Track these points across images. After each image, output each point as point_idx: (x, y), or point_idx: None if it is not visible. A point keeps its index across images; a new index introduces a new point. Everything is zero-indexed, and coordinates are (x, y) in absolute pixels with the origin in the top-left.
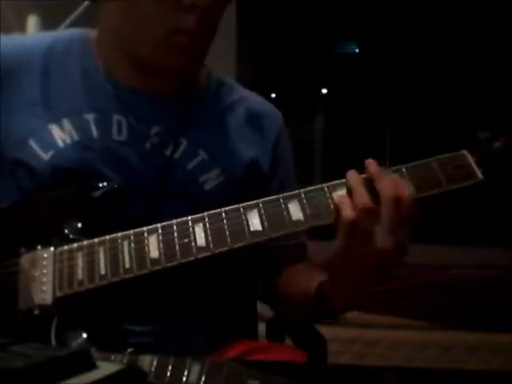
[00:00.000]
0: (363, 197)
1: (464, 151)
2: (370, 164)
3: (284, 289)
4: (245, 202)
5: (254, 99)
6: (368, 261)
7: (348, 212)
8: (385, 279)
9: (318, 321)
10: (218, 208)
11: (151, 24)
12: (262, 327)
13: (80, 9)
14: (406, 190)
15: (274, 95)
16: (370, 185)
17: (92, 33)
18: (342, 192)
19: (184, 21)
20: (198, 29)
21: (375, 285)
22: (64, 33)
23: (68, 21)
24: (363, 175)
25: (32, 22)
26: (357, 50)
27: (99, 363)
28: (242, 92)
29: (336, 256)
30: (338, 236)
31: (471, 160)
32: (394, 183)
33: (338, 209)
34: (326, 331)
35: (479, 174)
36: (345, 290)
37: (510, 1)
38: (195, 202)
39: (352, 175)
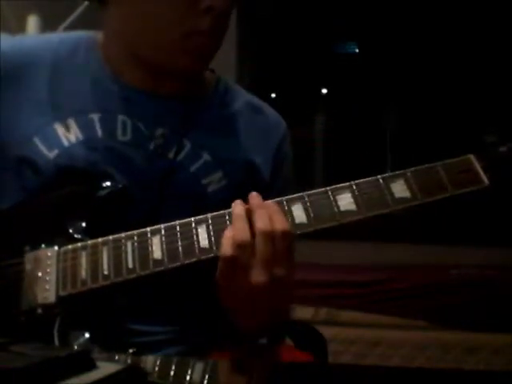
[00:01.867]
0: (241, 231)
1: (470, 156)
2: (251, 197)
3: None
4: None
5: (259, 105)
6: (248, 294)
7: (226, 248)
8: (280, 308)
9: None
10: (220, 211)
11: (165, 26)
12: None
13: (80, 9)
14: (281, 224)
15: (274, 95)
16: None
17: (99, 34)
18: (343, 196)
19: (200, 23)
20: (212, 31)
21: (273, 314)
22: (71, 34)
23: (68, 21)
24: (247, 206)
25: (32, 21)
26: (357, 50)
27: (99, 363)
28: (247, 98)
29: (218, 287)
30: (218, 268)
31: (477, 165)
32: (269, 217)
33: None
34: (326, 331)
35: (485, 180)
36: (240, 316)
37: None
38: (198, 204)
39: (235, 207)
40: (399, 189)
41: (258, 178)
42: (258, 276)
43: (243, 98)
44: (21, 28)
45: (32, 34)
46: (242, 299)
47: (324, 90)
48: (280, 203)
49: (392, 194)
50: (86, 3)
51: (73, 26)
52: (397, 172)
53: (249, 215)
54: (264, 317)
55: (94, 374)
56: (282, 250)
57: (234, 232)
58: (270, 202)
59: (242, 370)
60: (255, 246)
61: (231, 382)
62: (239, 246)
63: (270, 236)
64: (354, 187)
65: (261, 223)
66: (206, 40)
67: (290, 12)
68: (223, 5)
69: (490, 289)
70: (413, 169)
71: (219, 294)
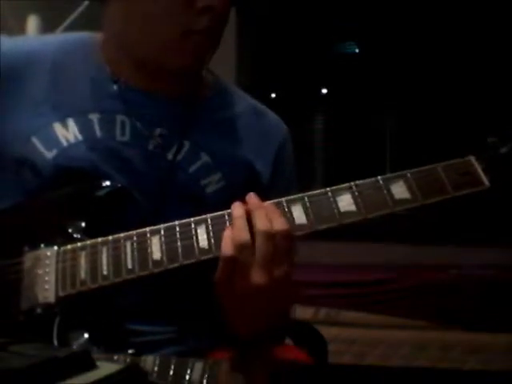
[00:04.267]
0: (241, 232)
1: (470, 157)
2: (249, 197)
3: None
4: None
5: (259, 108)
6: (247, 294)
7: (226, 249)
8: (280, 310)
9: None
10: (219, 211)
11: (162, 26)
12: None
13: (80, 9)
14: (280, 225)
15: (273, 95)
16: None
17: (98, 35)
18: (343, 197)
19: (197, 23)
20: (209, 31)
21: (272, 316)
22: (70, 35)
23: (68, 21)
24: (246, 207)
25: (32, 22)
26: (357, 50)
27: (99, 363)
28: (248, 101)
29: (218, 288)
30: (218, 268)
31: (478, 166)
32: (268, 217)
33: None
34: (327, 331)
35: (486, 182)
36: (237, 318)
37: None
38: (197, 204)
39: (234, 208)
40: (399, 190)
41: (258, 180)
42: (257, 276)
43: (243, 100)
44: (21, 28)
45: (32, 34)
46: (241, 300)
47: (324, 90)
48: (280, 204)
49: (392, 195)
50: (86, 3)
51: (73, 26)
52: (397, 173)
53: (248, 216)
54: (263, 318)
55: (94, 374)
56: (282, 250)
57: (234, 232)
58: (268, 202)
59: (242, 370)
60: (255, 246)
61: (231, 382)
62: (239, 247)
63: (270, 236)
64: (354, 188)
65: (260, 223)
66: (203, 39)
67: (289, 12)
68: (220, 4)
69: (490, 289)
70: (413, 170)
71: (218, 295)
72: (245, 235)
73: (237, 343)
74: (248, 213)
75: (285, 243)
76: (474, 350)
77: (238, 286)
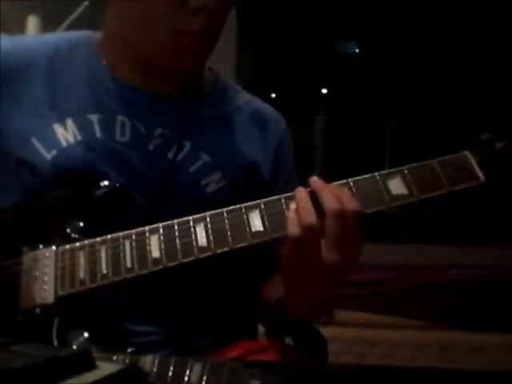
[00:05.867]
0: (308, 213)
1: (465, 152)
2: (313, 180)
3: (264, 300)
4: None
5: (258, 104)
6: (316, 273)
7: (294, 229)
8: (337, 290)
9: (286, 330)
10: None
11: (156, 26)
12: (262, 327)
13: (80, 9)
14: (350, 204)
15: (274, 95)
16: (317, 200)
17: (97, 34)
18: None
19: (190, 23)
20: (203, 31)
21: (330, 295)
22: (70, 34)
23: (68, 21)
24: (309, 190)
25: (32, 22)
26: (357, 50)
27: (99, 363)
28: (246, 97)
29: (285, 268)
30: (286, 249)
31: (473, 161)
32: (338, 198)
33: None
34: (327, 331)
35: (481, 176)
36: (299, 299)
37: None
38: (197, 204)
39: (298, 191)
40: (396, 185)
41: (258, 178)
42: (331, 256)
43: (242, 96)
44: (21, 28)
45: (32, 34)
46: (309, 280)
47: (324, 90)
48: (340, 186)
49: (389, 190)
50: (86, 3)
51: (73, 26)
52: (394, 169)
53: (312, 197)
54: (324, 297)
55: (94, 374)
56: (352, 229)
57: (301, 214)
58: (333, 184)
59: (242, 370)
60: (326, 226)
61: (231, 381)
62: (307, 227)
63: (340, 215)
64: (352, 184)
65: (330, 203)
66: (197, 40)
67: (290, 12)
68: (215, 5)
69: (490, 289)
70: (409, 166)
71: (284, 277)
72: (312, 216)
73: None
74: (312, 194)
75: (355, 222)
76: (474, 349)
77: (309, 265)
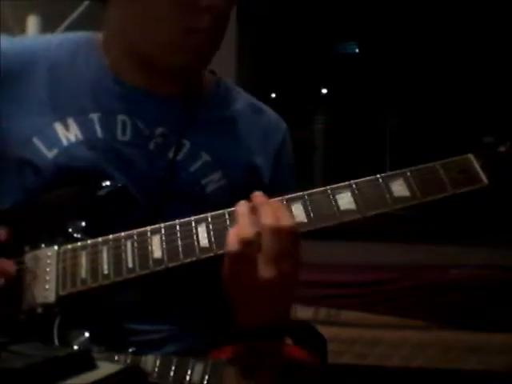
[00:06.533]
0: (245, 228)
1: (469, 155)
2: (254, 196)
3: None
4: None
5: (259, 107)
6: (253, 289)
7: (231, 244)
8: (283, 305)
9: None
10: (219, 210)
11: (165, 24)
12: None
13: (80, 9)
14: (286, 221)
15: (273, 95)
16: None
17: (99, 34)
18: (343, 195)
19: (200, 21)
20: (212, 29)
21: (277, 311)
22: (71, 35)
23: (68, 21)
24: (250, 204)
25: (32, 22)
26: (357, 50)
27: (99, 363)
28: (248, 99)
29: (225, 282)
30: (224, 263)
31: (476, 164)
32: (274, 213)
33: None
34: (327, 331)
35: (484, 179)
36: (242, 312)
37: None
38: (197, 203)
39: (239, 205)
40: (398, 188)
41: (258, 179)
42: (265, 271)
43: (243, 99)
44: (21, 28)
45: (32, 34)
46: (248, 295)
47: (324, 90)
48: (280, 202)
49: (391, 192)
50: (86, 3)
51: (73, 26)
52: (396, 171)
53: (253, 213)
54: (267, 313)
55: (94, 374)
56: (289, 245)
57: (239, 229)
58: (273, 199)
59: (242, 370)
60: (262, 242)
61: (231, 381)
62: (244, 243)
63: (277, 232)
64: (354, 186)
65: (266, 219)
66: (205, 38)
67: (289, 12)
68: (222, 3)
69: (490, 289)
70: (412, 168)
71: (226, 291)
72: (250, 231)
73: (240, 337)
74: (253, 210)
75: (291, 238)
76: (474, 349)
77: (246, 281)
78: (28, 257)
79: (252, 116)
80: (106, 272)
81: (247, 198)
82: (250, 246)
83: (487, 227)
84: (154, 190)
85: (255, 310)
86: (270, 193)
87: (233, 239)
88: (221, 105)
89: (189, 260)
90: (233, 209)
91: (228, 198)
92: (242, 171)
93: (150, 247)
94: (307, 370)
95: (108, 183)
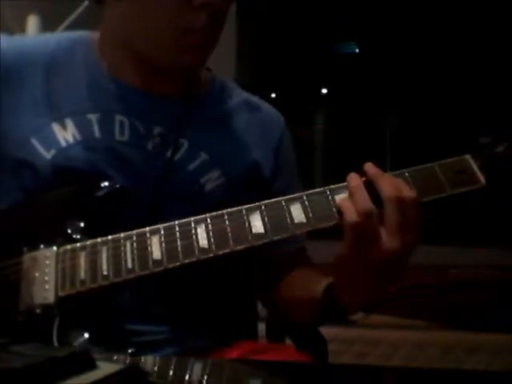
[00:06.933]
0: (364, 200)
1: (466, 156)
2: (369, 167)
3: (287, 293)
4: (245, 204)
5: (256, 103)
6: (375, 262)
7: (351, 216)
8: (394, 280)
9: (326, 323)
10: (218, 209)
11: (161, 24)
12: (262, 327)
13: (80, 9)
14: (408, 192)
15: (274, 95)
16: (371, 187)
17: (95, 34)
18: (344, 195)
19: (195, 20)
20: (208, 28)
21: (386, 285)
22: (68, 34)
23: (68, 21)
24: (364, 178)
25: (32, 21)
26: (357, 50)
27: (99, 363)
28: (244, 95)
29: (344, 258)
30: (344, 238)
31: (474, 165)
32: (395, 185)
33: (342, 212)
34: (327, 331)
35: (482, 179)
36: (355, 291)
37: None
38: (196, 202)
39: (352, 178)
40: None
41: (258, 176)
42: (391, 243)
43: (240, 95)
44: (21, 28)
45: (32, 34)
46: (365, 269)
47: (324, 90)
48: (279, 203)
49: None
50: (86, 3)
51: (73, 26)
52: (395, 172)
53: (367, 186)
54: (379, 286)
55: (94, 374)
56: (413, 216)
57: (356, 202)
58: (388, 173)
59: (242, 370)
60: (385, 213)
61: (231, 381)
62: (365, 214)
63: (400, 202)
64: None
65: (389, 191)
66: (201, 37)
67: (289, 11)
68: (219, 2)
69: (489, 289)
70: (410, 169)
71: (340, 267)
72: (369, 203)
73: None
74: (367, 183)
75: (413, 210)
76: (474, 349)
77: (370, 253)
78: (27, 257)
79: (249, 112)
80: (105, 273)
81: (246, 195)
82: (370, 219)
83: (487, 227)
84: (153, 189)
85: (365, 286)
86: (273, 187)
87: (351, 211)
88: (217, 102)
89: (188, 260)
90: (231, 210)
91: (227, 195)
92: (240, 168)
93: (149, 248)
94: (307, 370)
95: (106, 184)
